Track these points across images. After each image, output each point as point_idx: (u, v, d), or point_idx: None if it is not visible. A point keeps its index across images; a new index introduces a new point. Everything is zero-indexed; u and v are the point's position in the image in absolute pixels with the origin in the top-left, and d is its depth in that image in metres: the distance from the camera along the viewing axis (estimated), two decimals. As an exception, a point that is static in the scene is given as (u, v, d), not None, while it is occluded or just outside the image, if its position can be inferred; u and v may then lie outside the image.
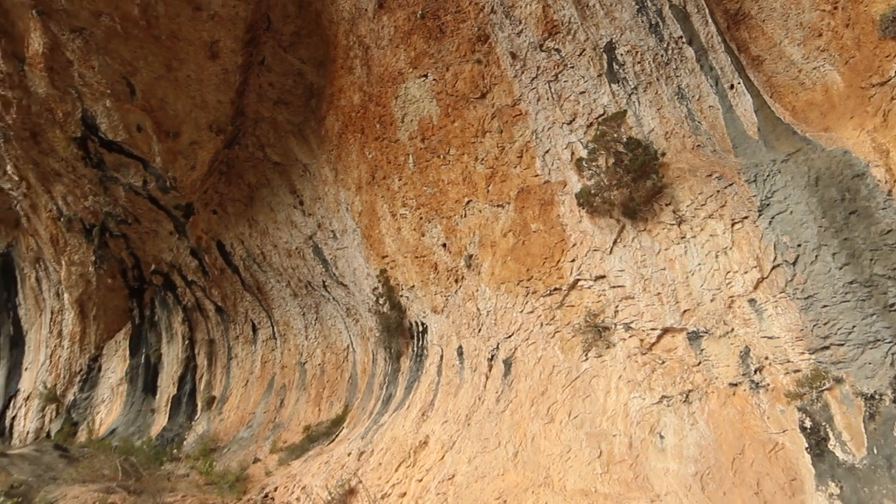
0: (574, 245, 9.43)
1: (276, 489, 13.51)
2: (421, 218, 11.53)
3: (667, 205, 8.41)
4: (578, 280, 9.39)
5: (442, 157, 10.83)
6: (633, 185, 8.59)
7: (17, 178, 19.24)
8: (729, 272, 7.65)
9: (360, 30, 11.83)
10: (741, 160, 7.98)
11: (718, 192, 7.90)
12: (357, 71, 12.01)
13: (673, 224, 8.29)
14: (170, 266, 19.83)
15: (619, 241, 8.87)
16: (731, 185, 7.81)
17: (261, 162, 15.30)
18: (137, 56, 13.32)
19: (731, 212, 7.73)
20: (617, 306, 8.90)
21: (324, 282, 15.60)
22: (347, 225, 13.73)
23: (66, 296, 22.97)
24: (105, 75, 13.98)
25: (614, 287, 8.91)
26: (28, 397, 26.45)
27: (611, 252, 8.92)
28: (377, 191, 12.30)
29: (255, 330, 18.16)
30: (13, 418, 26.58)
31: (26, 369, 27.33)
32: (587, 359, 9.19)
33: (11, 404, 27.15)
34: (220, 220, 16.74)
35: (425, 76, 10.87)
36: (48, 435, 23.99)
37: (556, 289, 9.67)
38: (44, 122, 15.89)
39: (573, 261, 9.41)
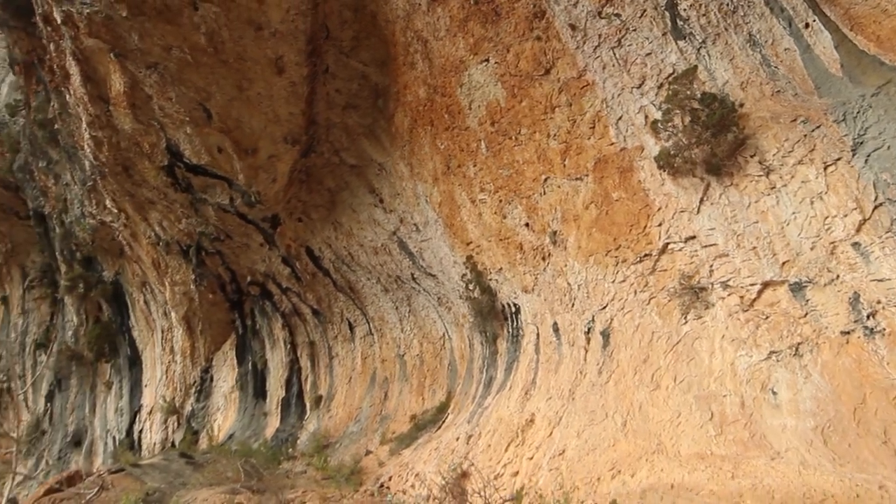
0: (659, 209, 9.40)
1: (390, 478, 14.15)
2: (500, 201, 11.74)
3: (752, 156, 8.26)
4: (668, 244, 9.37)
5: (514, 138, 10.98)
6: (714, 140, 8.48)
7: (116, 211, 20.82)
8: (827, 217, 7.45)
9: (417, 24, 12.09)
10: (826, 100, 7.72)
11: (805, 136, 7.70)
12: (419, 65, 12.29)
13: (761, 175, 8.14)
14: (264, 276, 20.93)
15: (705, 199, 8.78)
16: (818, 127, 7.60)
17: (337, 166, 15.91)
18: (209, 82, 14.09)
19: (822, 155, 7.53)
20: (711, 265, 8.84)
21: (412, 274, 16.07)
22: (428, 216, 14.09)
23: (173, 314, 24.66)
24: (182, 104, 14.86)
25: (706, 246, 8.85)
26: (150, 411, 28.62)
27: (698, 211, 8.85)
28: (454, 179, 12.59)
29: (351, 328, 18.93)
30: (140, 431, 28.86)
31: (146, 386, 29.55)
32: (686, 322, 9.18)
33: (137, 419, 29.48)
34: (305, 227, 17.51)
35: (486, 61, 11.03)
36: (173, 444, 25.89)
37: (646, 255, 9.68)
38: (133, 156, 17.09)
39: (660, 225, 9.40)
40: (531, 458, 10.97)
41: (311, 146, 15.84)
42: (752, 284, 8.29)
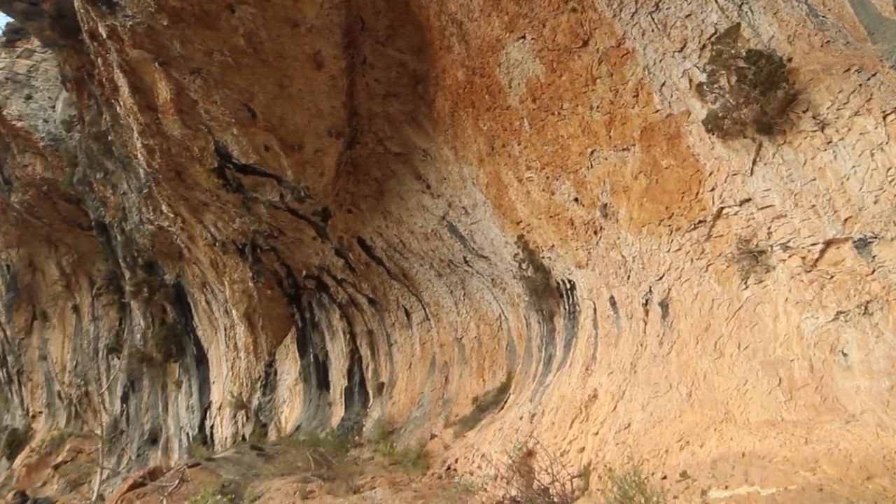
0: (711, 174, 9.26)
1: (456, 460, 14.42)
2: (548, 177, 11.73)
3: (804, 111, 8.05)
4: (722, 208, 9.23)
5: (556, 113, 10.94)
6: (763, 98, 8.29)
7: (172, 215, 21.66)
8: (890, 169, 7.21)
9: (450, 7, 12.13)
10: (881, 46, 7.45)
11: (861, 85, 7.45)
12: (455, 48, 12.34)
13: (815, 130, 7.93)
14: (319, 269, 21.46)
15: (758, 160, 8.61)
16: (874, 75, 7.35)
17: (382, 156, 16.15)
18: (251, 82, 14.46)
19: (881, 104, 7.28)
20: (769, 227, 8.67)
21: (464, 258, 16.22)
22: (476, 199, 14.19)
23: (234, 312, 25.54)
24: (227, 106, 15.30)
25: (762, 208, 8.69)
26: (220, 407, 29.80)
27: (752, 173, 8.68)
28: (499, 160, 12.64)
29: (408, 315, 19.26)
30: (212, 427, 30.12)
31: (213, 382, 30.75)
32: (747, 287, 9.05)
33: (207, 415, 30.75)
34: (356, 218, 17.86)
35: (523, 37, 10.99)
36: (243, 437, 26.92)
37: (700, 221, 9.56)
38: (184, 161, 17.71)
39: (713, 190, 9.26)
40: (596, 434, 11.02)
41: (355, 137, 16.12)
42: (813, 244, 8.11)
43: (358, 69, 14.26)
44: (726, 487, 7.51)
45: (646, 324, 10.83)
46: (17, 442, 40.92)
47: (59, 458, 37.64)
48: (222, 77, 14.65)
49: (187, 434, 31.38)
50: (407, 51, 13.46)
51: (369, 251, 19.01)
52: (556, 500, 9.89)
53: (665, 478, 8.71)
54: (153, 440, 33.40)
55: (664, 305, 10.37)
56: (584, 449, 11.11)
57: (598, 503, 8.62)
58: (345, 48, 13.61)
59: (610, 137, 10.26)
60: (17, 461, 39.16)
